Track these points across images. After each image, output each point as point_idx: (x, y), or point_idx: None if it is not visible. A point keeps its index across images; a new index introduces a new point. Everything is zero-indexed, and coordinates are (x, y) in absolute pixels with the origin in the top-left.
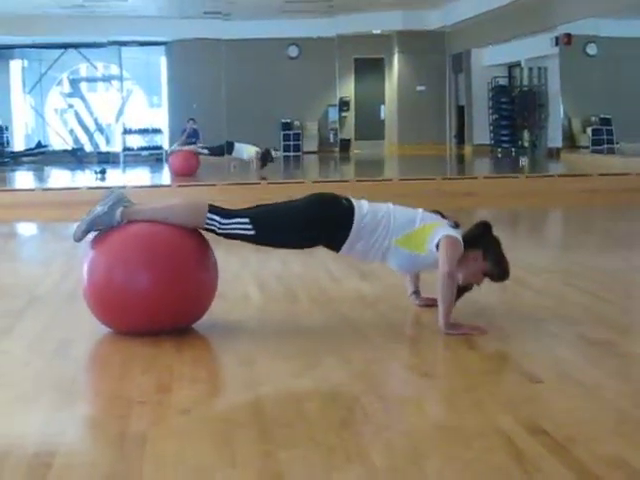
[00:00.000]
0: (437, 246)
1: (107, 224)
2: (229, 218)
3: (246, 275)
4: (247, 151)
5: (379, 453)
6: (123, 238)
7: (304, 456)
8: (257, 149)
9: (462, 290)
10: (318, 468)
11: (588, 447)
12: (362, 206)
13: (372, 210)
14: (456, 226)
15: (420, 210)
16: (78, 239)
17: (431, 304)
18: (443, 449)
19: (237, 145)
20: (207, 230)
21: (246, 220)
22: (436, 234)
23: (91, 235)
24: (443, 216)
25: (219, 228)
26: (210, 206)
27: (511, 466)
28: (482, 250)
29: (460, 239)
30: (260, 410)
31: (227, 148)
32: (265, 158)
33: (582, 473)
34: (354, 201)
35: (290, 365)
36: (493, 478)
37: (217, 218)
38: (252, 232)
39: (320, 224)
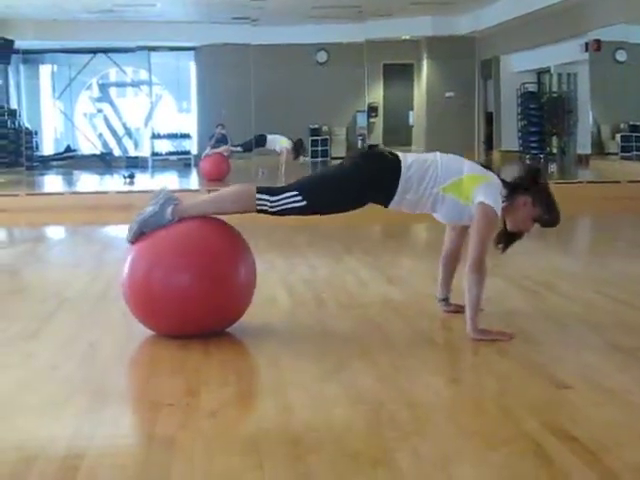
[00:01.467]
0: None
1: (158, 223)
2: (278, 194)
3: (273, 279)
4: (280, 142)
5: (406, 458)
6: (164, 239)
7: (331, 460)
8: (289, 140)
9: (511, 237)
10: (345, 473)
11: (618, 453)
12: (407, 157)
13: (418, 160)
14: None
15: (467, 161)
16: (131, 240)
17: (460, 311)
18: (471, 455)
19: (269, 137)
20: (259, 212)
21: (295, 192)
22: (479, 191)
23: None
24: (489, 169)
25: (271, 207)
26: (257, 187)
27: (540, 472)
28: (532, 196)
29: (498, 212)
30: (287, 414)
31: (259, 140)
32: (298, 149)
33: None
34: (399, 154)
35: (317, 369)
36: None
37: (266, 197)
38: (304, 202)
39: (368, 180)
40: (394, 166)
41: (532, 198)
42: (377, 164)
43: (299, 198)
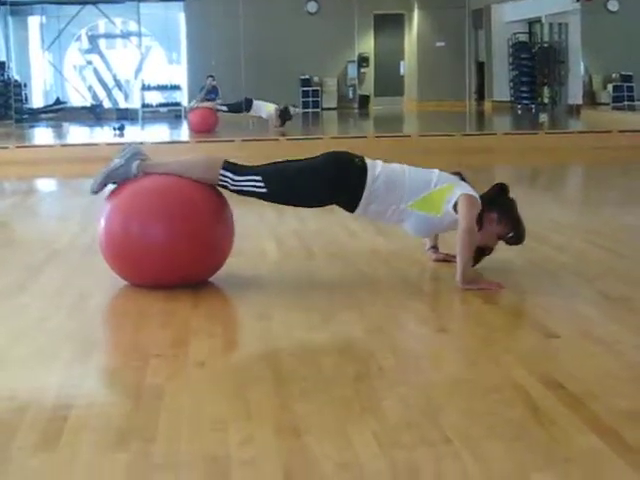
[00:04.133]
0: (454, 206)
1: (124, 176)
2: (242, 175)
3: (262, 231)
4: (266, 108)
5: (393, 407)
6: (139, 191)
7: (319, 409)
8: (276, 106)
9: (480, 252)
10: (333, 421)
11: (604, 401)
12: (375, 167)
13: (386, 172)
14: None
15: (436, 171)
16: (95, 191)
17: (448, 259)
18: (458, 403)
19: (256, 102)
20: (220, 186)
21: (259, 178)
22: (453, 195)
23: (109, 188)
24: (462, 178)
25: (232, 185)
26: (225, 162)
27: (527, 419)
28: (497, 213)
29: (478, 198)
30: (276, 363)
31: (246, 105)
32: (284, 115)
33: (598, 426)
34: (368, 162)
35: (306, 319)
36: (508, 431)
37: (230, 175)
38: (264, 190)
39: (331, 184)
40: (360, 175)
41: (498, 215)
42: (343, 171)
43: (261, 184)
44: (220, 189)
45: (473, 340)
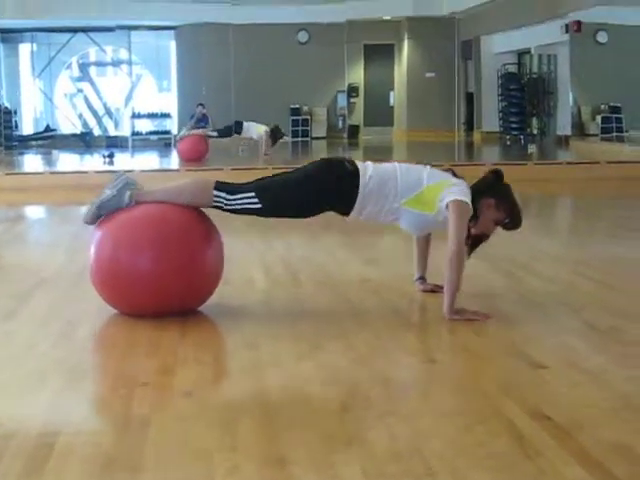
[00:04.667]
0: (447, 207)
1: (116, 207)
2: (235, 194)
3: (251, 259)
4: (257, 130)
5: (380, 438)
6: (129, 219)
7: (305, 440)
8: (266, 127)
9: (476, 241)
10: (319, 451)
11: (591, 433)
12: (367, 169)
13: (377, 173)
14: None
15: (427, 168)
16: (88, 222)
17: (436, 290)
18: (445, 434)
19: (246, 124)
20: (214, 207)
21: (252, 194)
22: (445, 194)
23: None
24: (455, 175)
25: (226, 204)
26: (217, 183)
27: (513, 451)
28: (494, 198)
29: (469, 203)
30: (262, 393)
31: (236, 128)
32: (275, 135)
33: (584, 458)
34: (359, 164)
35: (293, 349)
36: (495, 462)
37: (223, 194)
38: (259, 205)
39: (325, 190)
40: (353, 179)
41: (495, 200)
42: (335, 175)
43: (255, 200)
44: (213, 210)
45: (460, 371)
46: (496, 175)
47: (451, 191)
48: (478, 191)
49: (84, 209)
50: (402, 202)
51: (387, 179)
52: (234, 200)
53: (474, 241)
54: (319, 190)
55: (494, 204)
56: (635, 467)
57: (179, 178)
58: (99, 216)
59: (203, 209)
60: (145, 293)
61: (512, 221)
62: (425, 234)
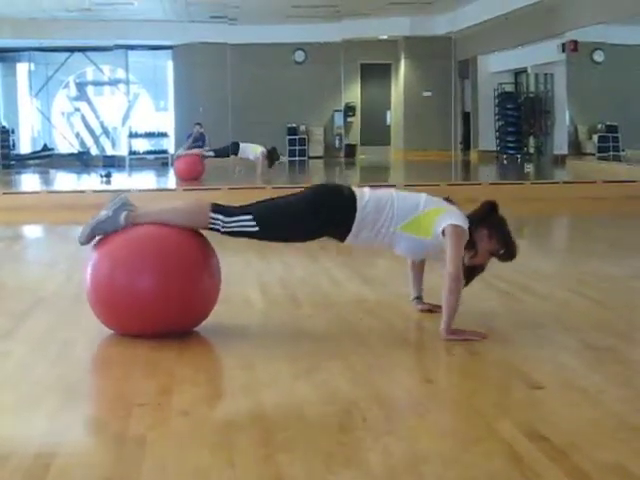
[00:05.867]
0: (443, 232)
1: (111, 228)
2: (232, 216)
3: (248, 279)
4: (253, 150)
5: (377, 458)
6: (126, 241)
7: (303, 460)
8: (262, 148)
9: (471, 271)
10: (317, 472)
11: (588, 453)
12: (363, 194)
13: (374, 198)
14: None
15: (424, 195)
16: (83, 243)
17: (433, 310)
18: (442, 454)
19: (242, 145)
20: (211, 229)
21: (249, 217)
22: (442, 219)
23: (96, 239)
24: (451, 202)
25: (223, 227)
26: (213, 205)
27: (510, 472)
28: (488, 229)
29: (465, 228)
30: (260, 413)
31: (233, 149)
32: (272, 156)
33: (581, 479)
34: (356, 190)
35: (291, 369)
36: None
37: (220, 217)
38: (256, 228)
39: (322, 215)
40: (350, 205)
41: (489, 231)
42: (332, 201)
43: (252, 223)
44: (210, 232)
45: (457, 391)
46: (491, 206)
47: (447, 216)
48: (473, 222)
49: (80, 230)
50: (398, 227)
51: (384, 204)
52: (231, 223)
53: (469, 272)
54: (316, 215)
55: (488, 235)
56: None
57: (176, 198)
58: (93, 237)
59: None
60: (141, 314)
61: (507, 252)
62: (420, 258)
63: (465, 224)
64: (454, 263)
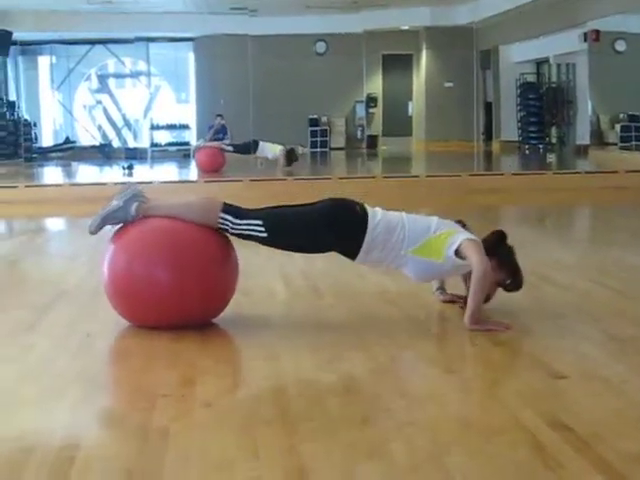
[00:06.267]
0: (456, 252)
1: (122, 219)
2: (242, 219)
3: (270, 271)
4: (272, 150)
5: (400, 449)
6: (144, 233)
7: (326, 451)
8: (281, 147)
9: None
10: (340, 463)
11: (612, 443)
12: (375, 214)
13: (385, 219)
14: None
15: (435, 218)
16: (92, 232)
17: (456, 300)
18: (465, 444)
19: (262, 144)
20: (220, 229)
21: (259, 222)
22: (454, 240)
23: (108, 228)
24: (464, 226)
25: (232, 228)
26: (224, 205)
27: (534, 462)
28: (496, 259)
29: (480, 242)
30: (283, 404)
31: (253, 146)
32: (290, 156)
33: (606, 469)
34: (368, 208)
35: (313, 360)
36: (515, 473)
37: (230, 218)
38: (264, 234)
39: (332, 231)
40: (361, 222)
41: (497, 261)
42: (344, 217)
43: (261, 229)
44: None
45: (480, 381)
46: (499, 236)
47: (461, 235)
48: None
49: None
50: (409, 250)
51: (394, 226)
52: (240, 225)
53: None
54: (329, 228)
55: (497, 265)
56: None
57: (198, 190)
58: (104, 226)
59: None
60: (159, 306)
61: (513, 282)
62: (429, 280)
63: (478, 239)
64: (482, 262)
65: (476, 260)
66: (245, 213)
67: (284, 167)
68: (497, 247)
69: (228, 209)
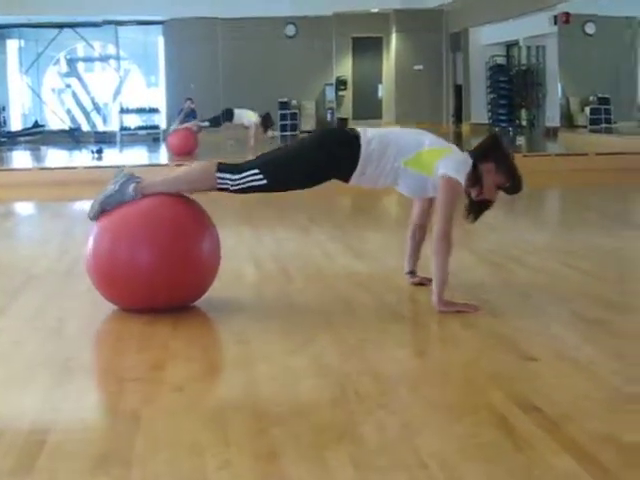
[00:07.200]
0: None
1: (119, 201)
2: (239, 173)
3: (241, 253)
4: (247, 116)
5: (371, 431)
6: (127, 214)
7: (296, 434)
8: (257, 115)
9: (480, 207)
10: (309, 446)
11: (580, 424)
12: (367, 131)
13: (379, 134)
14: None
15: (431, 135)
16: (92, 219)
17: (425, 283)
18: (434, 426)
19: (237, 111)
20: (221, 190)
21: (256, 171)
22: (441, 163)
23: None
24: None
25: (232, 185)
26: (218, 164)
27: (504, 442)
28: (494, 162)
29: (461, 181)
30: (253, 388)
31: (227, 115)
32: (266, 122)
33: (574, 449)
34: (359, 129)
35: (284, 343)
36: (485, 454)
37: (228, 176)
38: (264, 181)
39: (328, 157)
40: (354, 142)
41: (495, 164)
42: (337, 141)
43: (260, 177)
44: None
45: (450, 363)
46: (494, 139)
47: (447, 162)
48: (477, 156)
49: (78, 205)
50: (403, 161)
51: (389, 140)
52: (239, 179)
53: (479, 207)
54: (322, 157)
55: (494, 168)
56: (623, 456)
57: (170, 172)
58: (102, 211)
59: (199, 203)
60: (144, 287)
61: (513, 184)
62: (424, 208)
63: (462, 176)
64: (441, 221)
65: (438, 219)
66: (240, 167)
67: (261, 134)
68: (493, 150)
69: (224, 168)
